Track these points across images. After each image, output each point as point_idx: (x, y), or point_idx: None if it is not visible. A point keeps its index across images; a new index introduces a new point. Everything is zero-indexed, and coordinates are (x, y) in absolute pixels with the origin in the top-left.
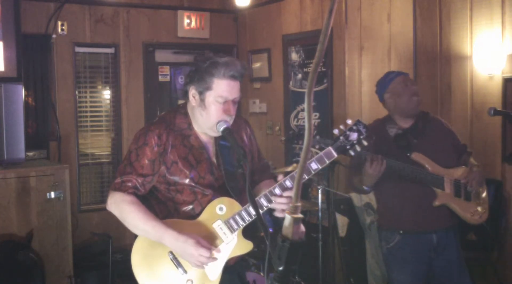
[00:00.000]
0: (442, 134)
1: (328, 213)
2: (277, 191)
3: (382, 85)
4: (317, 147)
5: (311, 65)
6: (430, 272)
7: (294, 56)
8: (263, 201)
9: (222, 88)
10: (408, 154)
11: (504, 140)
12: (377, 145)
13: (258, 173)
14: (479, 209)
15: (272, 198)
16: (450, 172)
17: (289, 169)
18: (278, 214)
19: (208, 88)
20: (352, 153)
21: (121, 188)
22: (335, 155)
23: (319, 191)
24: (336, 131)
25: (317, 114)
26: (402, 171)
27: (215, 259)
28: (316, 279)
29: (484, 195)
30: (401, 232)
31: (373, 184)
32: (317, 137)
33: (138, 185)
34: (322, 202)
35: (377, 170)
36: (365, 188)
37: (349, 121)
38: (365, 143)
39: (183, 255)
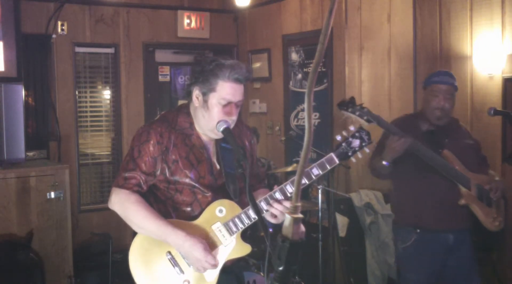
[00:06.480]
0: (469, 141)
1: (328, 213)
2: (278, 195)
3: (426, 80)
4: (365, 118)
5: (311, 65)
6: (442, 271)
7: (294, 56)
8: (263, 205)
9: (226, 91)
10: (440, 150)
11: (504, 140)
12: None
13: (255, 180)
14: (497, 216)
15: (271, 201)
16: (474, 176)
17: (289, 169)
18: (268, 217)
19: (212, 89)
20: (353, 159)
21: (125, 185)
22: (337, 161)
23: (319, 191)
24: (338, 137)
25: (317, 114)
26: (432, 161)
27: (217, 266)
28: (316, 279)
29: (502, 206)
30: (418, 230)
31: (392, 160)
32: (365, 109)
33: (141, 182)
34: (322, 202)
35: (400, 146)
36: (384, 163)
37: (352, 128)
38: (367, 150)
39: (188, 257)
